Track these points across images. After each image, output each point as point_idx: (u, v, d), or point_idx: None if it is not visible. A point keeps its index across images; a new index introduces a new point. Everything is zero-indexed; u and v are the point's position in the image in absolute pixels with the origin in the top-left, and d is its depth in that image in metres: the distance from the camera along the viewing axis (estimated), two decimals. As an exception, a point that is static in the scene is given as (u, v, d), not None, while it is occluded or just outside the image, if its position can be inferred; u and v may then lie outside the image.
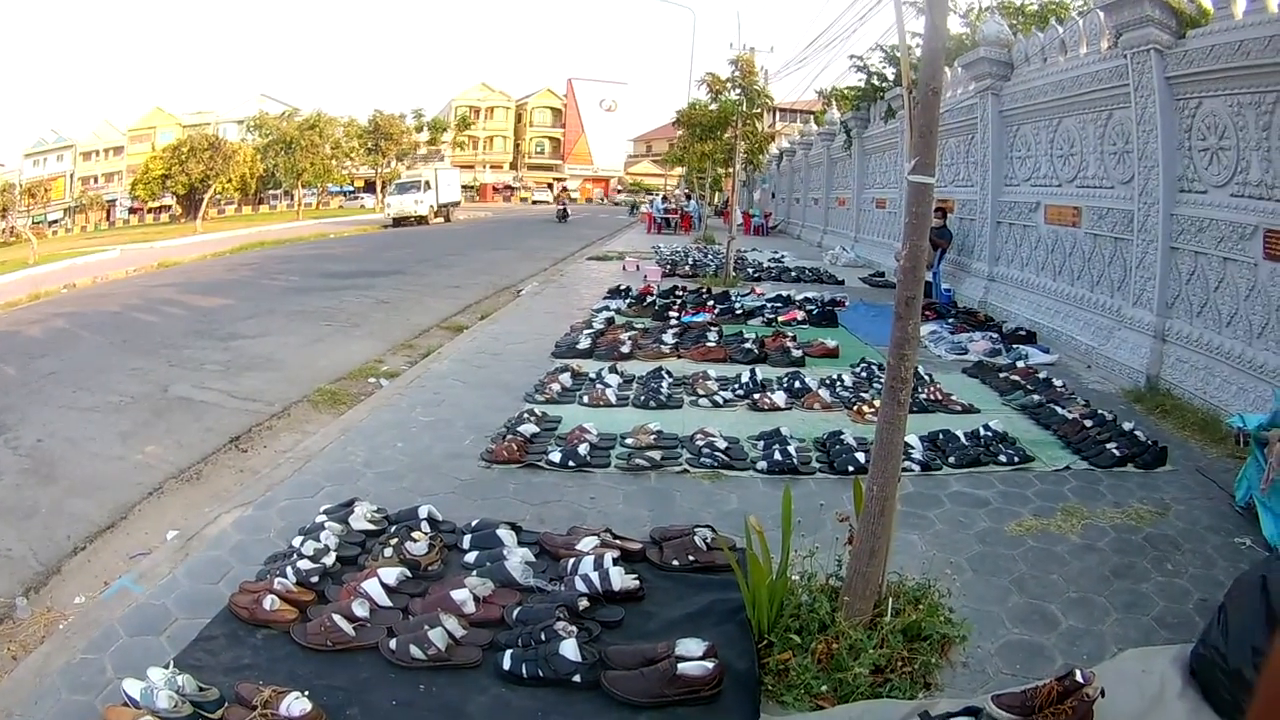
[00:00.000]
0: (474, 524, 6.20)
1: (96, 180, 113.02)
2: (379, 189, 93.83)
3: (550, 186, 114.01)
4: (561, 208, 63.49)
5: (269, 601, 5.10)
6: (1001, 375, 10.93)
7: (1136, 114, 11.48)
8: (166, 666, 4.37)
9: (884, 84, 27.38)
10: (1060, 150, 14.31)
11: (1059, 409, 9.12)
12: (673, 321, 14.80)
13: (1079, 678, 3.76)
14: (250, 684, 4.28)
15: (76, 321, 20.10)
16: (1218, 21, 10.04)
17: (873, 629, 4.41)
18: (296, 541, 5.98)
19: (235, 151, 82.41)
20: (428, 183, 61.67)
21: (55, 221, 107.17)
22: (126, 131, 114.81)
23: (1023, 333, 13.62)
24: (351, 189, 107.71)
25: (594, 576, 5.23)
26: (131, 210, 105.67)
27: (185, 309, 20.93)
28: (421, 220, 58.12)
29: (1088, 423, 8.55)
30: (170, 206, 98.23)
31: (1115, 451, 7.74)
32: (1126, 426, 8.32)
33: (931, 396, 9.76)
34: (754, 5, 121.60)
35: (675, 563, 5.59)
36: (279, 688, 4.18)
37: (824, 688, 4.14)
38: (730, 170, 30.85)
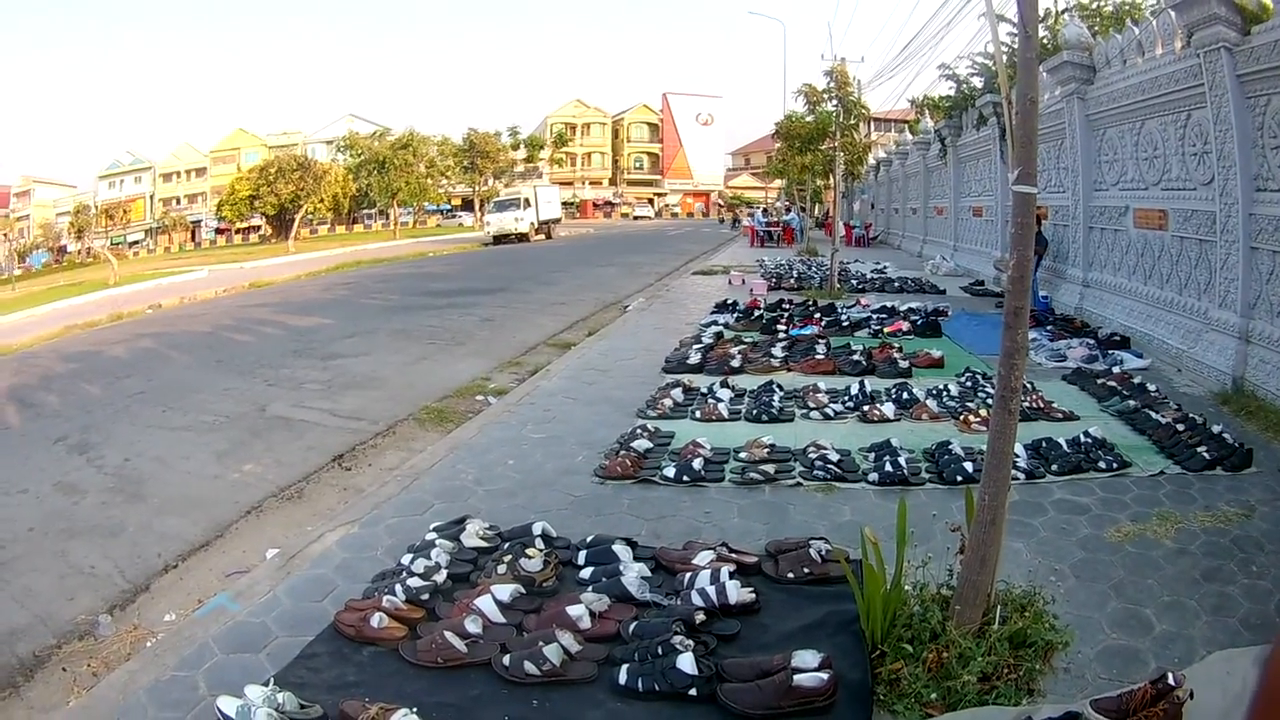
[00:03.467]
0: (589, 540, 6.27)
1: (179, 202, 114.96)
2: (477, 207, 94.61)
3: (651, 202, 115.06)
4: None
5: (377, 619, 5.19)
6: (1099, 381, 10.91)
7: (1213, 114, 11.44)
8: (266, 684, 4.46)
9: (974, 92, 27.26)
10: (1145, 153, 14.23)
11: (1153, 414, 9.13)
12: (781, 335, 14.86)
13: (1170, 680, 3.81)
14: (356, 701, 4.35)
15: (164, 341, 20.49)
16: (1278, 17, 10.03)
17: (981, 637, 4.46)
18: (406, 559, 6.07)
19: (326, 171, 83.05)
20: (527, 200, 61.89)
21: (136, 242, 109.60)
22: (209, 153, 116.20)
23: (1117, 338, 13.55)
24: (449, 208, 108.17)
25: (710, 590, 5.30)
26: (218, 231, 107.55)
27: (281, 329, 21.21)
28: (522, 238, 58.29)
29: (1180, 427, 8.56)
30: (259, 227, 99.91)
31: (1205, 455, 7.76)
32: (1215, 429, 8.32)
33: (1034, 405, 9.75)
34: (842, 15, 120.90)
35: (790, 575, 5.66)
36: (386, 705, 4.25)
37: (933, 695, 4.21)
38: (830, 182, 30.87)
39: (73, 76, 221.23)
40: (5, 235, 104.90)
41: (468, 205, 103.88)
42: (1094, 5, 26.81)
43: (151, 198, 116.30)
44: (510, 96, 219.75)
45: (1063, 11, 25.88)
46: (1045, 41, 22.70)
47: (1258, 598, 5.35)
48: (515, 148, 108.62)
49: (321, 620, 5.45)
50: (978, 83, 27.21)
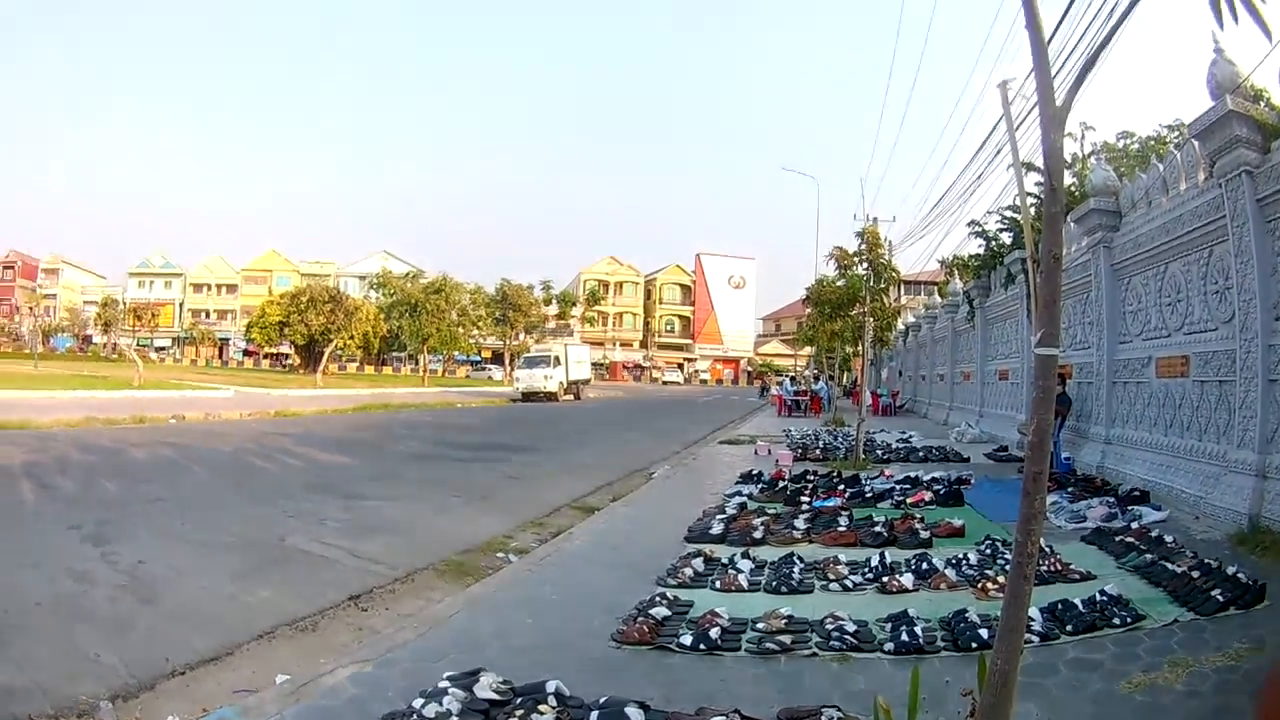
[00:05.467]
0: (601, 700, 6.21)
1: (208, 315, 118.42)
2: (507, 361, 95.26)
3: (681, 367, 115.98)
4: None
5: None
6: (1117, 539, 10.93)
7: (1234, 245, 11.69)
8: None
9: (1002, 249, 27.58)
10: (1168, 298, 14.45)
11: (1169, 565, 9.17)
12: (804, 507, 14.75)
13: None
14: None
15: (186, 454, 20.62)
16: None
17: None
18: (417, 703, 6.04)
19: (358, 308, 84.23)
20: (557, 358, 62.39)
21: (163, 348, 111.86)
22: (241, 271, 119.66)
23: (1137, 494, 13.60)
24: (478, 359, 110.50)
25: None
26: (246, 353, 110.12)
27: (305, 461, 21.27)
28: (551, 397, 58.63)
29: (1195, 574, 8.63)
30: (287, 355, 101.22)
31: (1219, 598, 7.83)
32: (1230, 571, 8.40)
33: (1051, 568, 9.75)
34: (874, 171, 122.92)
35: None
36: None
37: None
38: (859, 349, 31.08)
39: (112, 165, 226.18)
40: (31, 309, 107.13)
41: (498, 358, 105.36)
42: (1121, 145, 27.26)
43: (181, 305, 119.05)
44: (544, 247, 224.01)
45: (1090, 155, 26.29)
46: (1073, 189, 23.06)
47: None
48: (548, 302, 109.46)
49: None
50: (1007, 238, 27.56)
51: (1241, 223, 11.51)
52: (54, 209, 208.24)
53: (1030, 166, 20.06)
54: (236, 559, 11.39)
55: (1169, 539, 10.48)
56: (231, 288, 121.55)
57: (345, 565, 11.44)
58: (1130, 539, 10.78)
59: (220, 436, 26.14)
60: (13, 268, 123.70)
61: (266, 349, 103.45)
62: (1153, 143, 26.91)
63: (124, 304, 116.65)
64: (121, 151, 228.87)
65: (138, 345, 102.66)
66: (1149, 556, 9.80)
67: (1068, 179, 25.75)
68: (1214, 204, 12.42)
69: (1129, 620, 7.77)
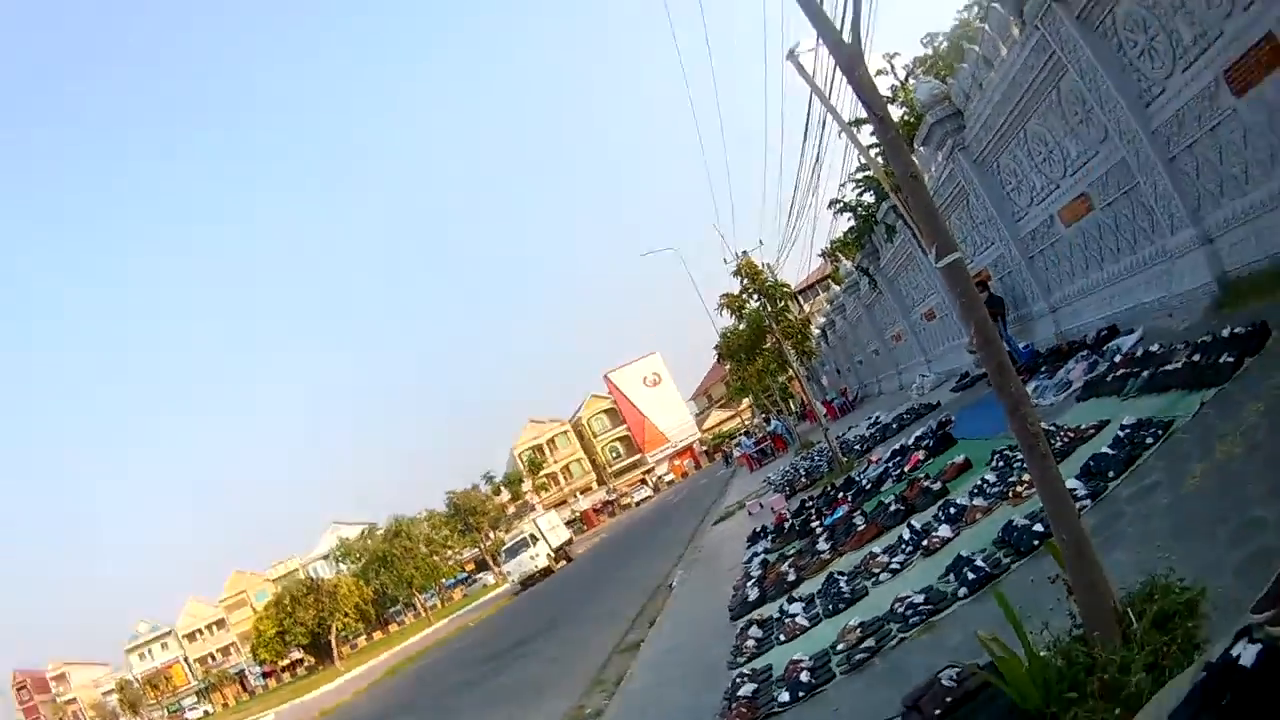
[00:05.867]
0: None
1: (214, 658, 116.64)
2: (491, 563, 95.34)
3: (644, 481, 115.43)
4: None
5: None
6: (1109, 380, 10.92)
7: (1077, 70, 11.77)
8: None
9: (871, 211, 27.81)
10: (1040, 155, 14.56)
11: (1169, 367, 9.14)
12: (818, 530, 14.77)
13: None
14: None
15: None
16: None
17: (1127, 642, 4.40)
18: None
19: (336, 585, 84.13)
20: (533, 535, 62.30)
21: (193, 707, 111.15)
22: (219, 603, 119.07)
23: (1105, 333, 13.59)
24: (466, 575, 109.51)
25: None
26: (265, 674, 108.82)
27: None
28: (546, 572, 58.28)
29: (1196, 358, 8.58)
30: (301, 660, 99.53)
31: (1230, 359, 7.84)
32: (1225, 334, 8.36)
33: (1065, 439, 9.67)
34: (724, 209, 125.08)
35: (938, 712, 5.48)
36: None
37: (1118, 711, 4.09)
38: (791, 373, 31.10)
39: (67, 553, 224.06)
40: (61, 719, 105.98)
41: (482, 565, 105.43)
42: (930, 49, 27.66)
43: (186, 659, 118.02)
44: (470, 444, 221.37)
45: (906, 79, 26.69)
46: (908, 118, 23.33)
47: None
48: (497, 492, 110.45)
49: None
50: (869, 199, 27.81)
51: (1073, 46, 11.63)
52: (37, 617, 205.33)
53: (859, 121, 20.30)
54: None
55: (1155, 348, 10.41)
56: (220, 623, 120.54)
57: None
58: (1121, 371, 10.74)
59: None
60: (25, 687, 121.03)
61: (280, 662, 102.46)
62: (960, 30, 27.42)
63: (138, 681, 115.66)
64: (65, 531, 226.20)
65: (170, 713, 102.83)
66: (1146, 374, 9.77)
67: (898, 111, 26.15)
68: (1040, 47, 12.55)
69: (1160, 433, 7.73)
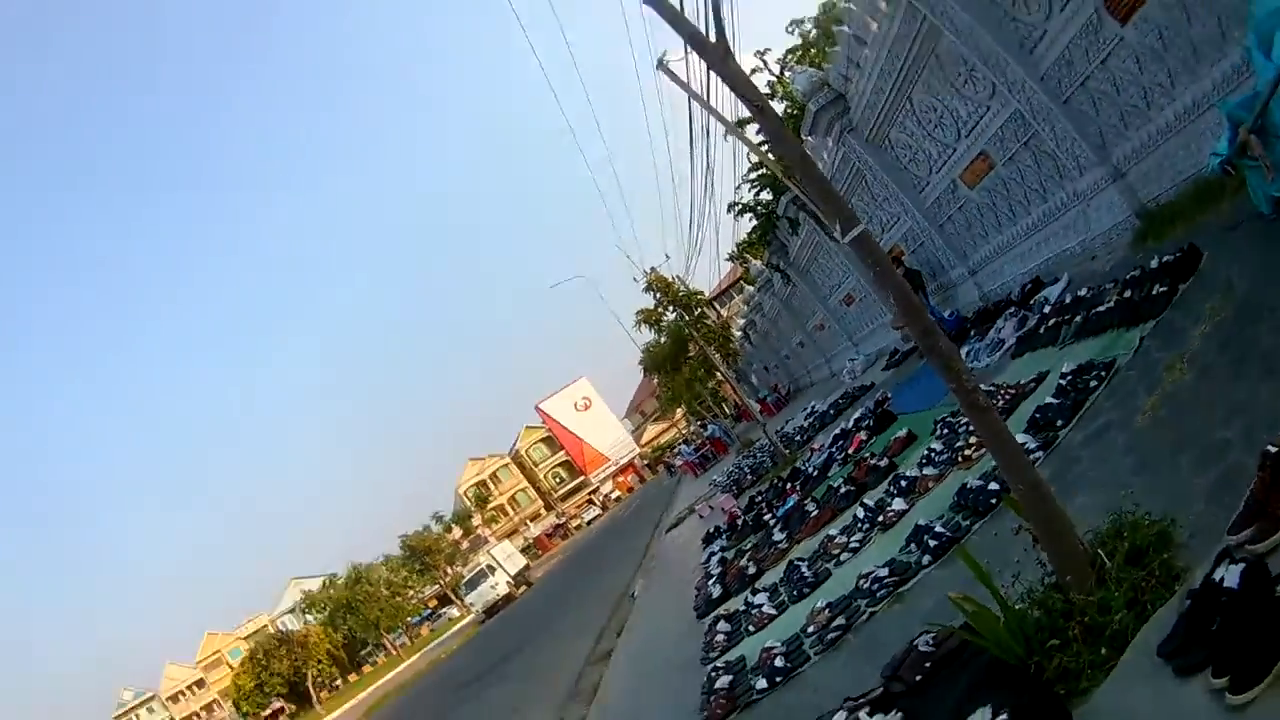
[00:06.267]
0: None
1: (199, 717, 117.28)
2: (453, 597, 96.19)
3: (591, 502, 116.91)
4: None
5: None
6: (1042, 331, 10.98)
7: (951, 29, 11.74)
8: None
9: (770, 207, 27.91)
10: (930, 121, 14.55)
11: (1101, 307, 9.22)
12: (771, 522, 14.83)
13: (1271, 450, 3.86)
14: None
15: None
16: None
17: (1103, 582, 4.43)
18: None
19: (307, 635, 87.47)
20: (490, 566, 63.39)
21: None
22: (196, 664, 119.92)
23: (1029, 286, 13.61)
24: (429, 612, 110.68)
25: None
26: None
27: None
28: (508, 599, 59.12)
29: (1128, 293, 8.65)
30: (282, 708, 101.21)
31: (1163, 289, 7.91)
32: (1154, 265, 8.42)
33: (1005, 396, 9.73)
34: (625, 229, 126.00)
35: (919, 677, 5.47)
36: None
37: (1103, 651, 4.13)
38: (718, 377, 31.21)
39: (37, 629, 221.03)
40: None
41: (444, 600, 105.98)
42: (798, 37, 27.79)
43: None
44: (414, 487, 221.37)
45: (782, 72, 26.84)
46: (792, 111, 23.39)
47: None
48: (449, 530, 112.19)
49: None
50: (766, 195, 27.92)
51: (943, 7, 11.60)
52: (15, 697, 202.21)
53: (743, 121, 20.31)
54: None
55: (1083, 292, 10.48)
56: (200, 683, 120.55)
57: None
58: (1052, 321, 10.80)
59: None
60: None
61: (264, 714, 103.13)
62: (827, 14, 27.55)
63: None
64: (34, 608, 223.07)
65: None
66: (1079, 319, 9.80)
67: (780, 105, 26.23)
68: (910, 15, 12.56)
69: (1104, 374, 7.80)
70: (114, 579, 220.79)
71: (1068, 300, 10.85)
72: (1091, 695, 4.06)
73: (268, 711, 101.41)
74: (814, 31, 28.50)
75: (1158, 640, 3.80)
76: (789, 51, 29.28)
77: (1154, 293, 7.97)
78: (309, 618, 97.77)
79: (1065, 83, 10.81)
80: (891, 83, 14.43)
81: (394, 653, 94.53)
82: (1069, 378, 8.24)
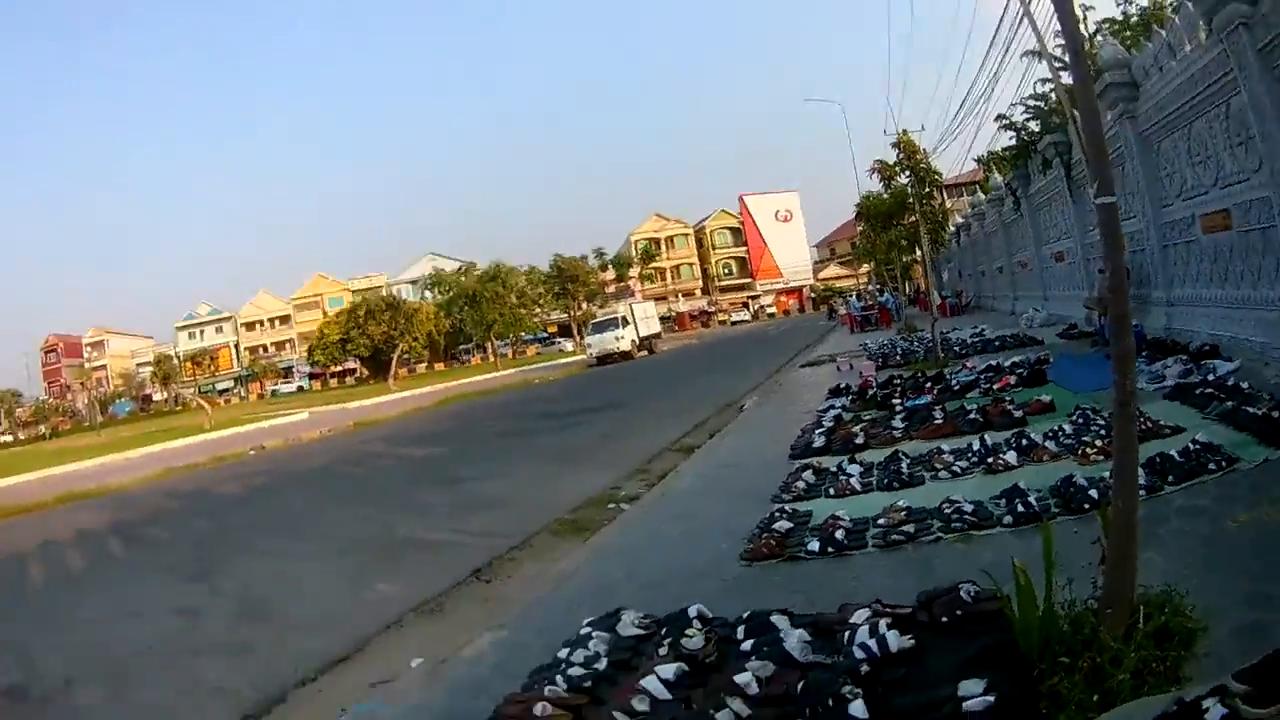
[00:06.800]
0: (745, 615, 6.37)
1: (265, 349, 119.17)
2: (574, 331, 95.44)
3: (746, 305, 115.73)
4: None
5: (540, 708, 5.25)
6: (1197, 392, 11.05)
7: (1247, 95, 11.65)
8: None
9: (1033, 137, 27.39)
10: (1198, 156, 14.42)
11: (1250, 409, 9.31)
12: (897, 408, 15.11)
13: None
14: None
15: (275, 478, 21.11)
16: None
17: (1128, 639, 4.64)
18: (563, 653, 6.19)
19: (416, 310, 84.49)
20: (625, 318, 62.52)
21: (225, 390, 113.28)
22: (290, 300, 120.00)
23: (1207, 349, 13.72)
24: (546, 335, 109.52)
25: (871, 643, 5.40)
26: (312, 376, 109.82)
27: (397, 459, 21.66)
28: (625, 356, 58.72)
29: (1275, 414, 8.78)
30: (354, 370, 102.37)
31: None
32: None
33: (1143, 426, 9.77)
34: (894, 88, 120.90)
35: (945, 619, 5.76)
36: None
37: (1094, 699, 4.36)
38: (917, 255, 30.89)
39: (144, 226, 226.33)
40: (83, 384, 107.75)
41: (565, 331, 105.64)
42: (1121, 14, 26.92)
43: (237, 346, 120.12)
44: (590, 219, 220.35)
45: (1094, 34, 26.07)
46: (1089, 69, 22.82)
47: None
48: (603, 269, 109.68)
49: (479, 717, 5.56)
50: (1035, 126, 27.36)
51: (1249, 74, 11.50)
52: (91, 284, 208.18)
53: (1040, 54, 19.82)
54: (348, 561, 11.65)
55: (1245, 385, 10.61)
56: (284, 319, 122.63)
57: (461, 545, 11.58)
58: (1209, 390, 10.92)
59: (305, 456, 26.62)
60: (55, 350, 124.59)
61: (332, 369, 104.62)
62: (1154, 9, 26.50)
63: (178, 357, 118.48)
64: (150, 206, 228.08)
65: (201, 393, 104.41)
66: (1230, 404, 9.93)
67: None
68: (1219, 60, 12.39)
69: (1224, 465, 7.94)
70: (252, 192, 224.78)
71: (1230, 382, 11.01)
72: None
73: (337, 368, 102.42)
74: (1136, 17, 27.46)
75: None
76: (1106, 20, 28.25)
77: None
78: (428, 294, 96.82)
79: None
80: (1182, 101, 14.29)
81: (492, 359, 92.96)
82: (1198, 447, 8.36)
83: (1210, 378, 11.95)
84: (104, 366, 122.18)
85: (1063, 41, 5.21)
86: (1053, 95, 24.29)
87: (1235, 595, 5.38)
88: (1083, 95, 4.99)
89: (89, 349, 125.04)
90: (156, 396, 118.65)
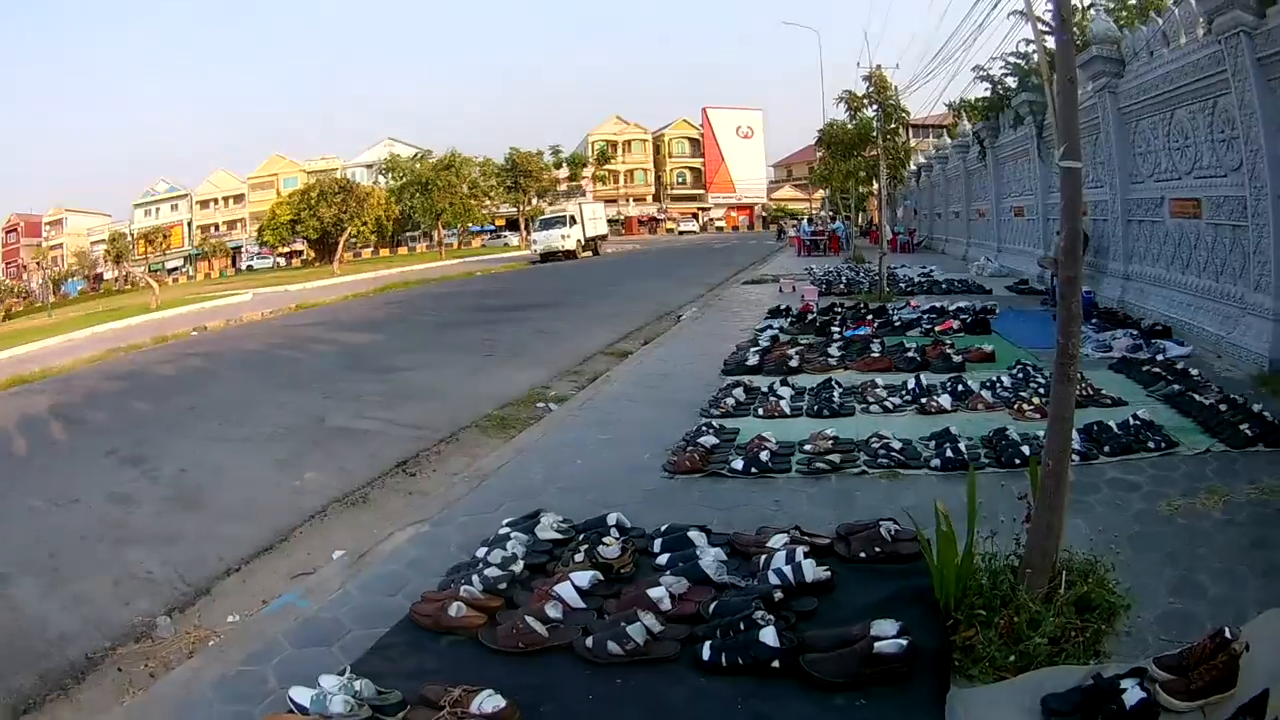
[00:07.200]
0: (663, 528, 6.43)
1: (217, 228, 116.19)
2: (522, 227, 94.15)
3: (695, 216, 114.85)
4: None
5: (455, 608, 5.29)
6: (1144, 369, 11.05)
7: (1237, 99, 11.57)
8: (341, 673, 4.54)
9: (1009, 92, 27.33)
10: (1176, 143, 14.38)
11: (1197, 396, 9.27)
12: (836, 336, 15.09)
13: (1227, 634, 3.97)
14: (437, 685, 4.43)
15: (214, 360, 20.90)
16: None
17: (1049, 602, 4.67)
18: (480, 552, 6.20)
19: (369, 194, 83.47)
20: (573, 217, 62.14)
21: (175, 269, 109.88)
22: (247, 179, 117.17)
23: (1159, 328, 13.70)
24: (493, 228, 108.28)
25: (786, 570, 5.43)
26: (259, 257, 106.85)
27: (334, 345, 21.51)
28: (570, 255, 58.44)
29: (1222, 407, 8.72)
30: (301, 252, 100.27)
31: (1247, 432, 7.90)
32: (1256, 409, 8.47)
33: (1084, 391, 9.85)
34: (874, 23, 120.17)
35: (862, 554, 5.82)
36: (470, 687, 4.33)
37: (1010, 659, 4.40)
38: (873, 188, 30.83)
39: (106, 105, 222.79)
40: (39, 264, 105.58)
41: (512, 225, 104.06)
42: None
43: (190, 224, 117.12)
44: (550, 116, 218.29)
45: (1089, 6, 25.98)
46: (1075, 40, 22.69)
47: (1307, 563, 5.51)
48: (558, 166, 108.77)
49: (395, 614, 5.59)
50: (1012, 83, 27.26)
51: (1243, 79, 11.43)
52: (54, 162, 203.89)
53: (1026, 15, 19.68)
54: (278, 448, 11.60)
55: (1194, 373, 10.57)
56: (239, 198, 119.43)
57: (388, 436, 11.65)
58: (1156, 370, 10.92)
59: (245, 338, 26.40)
60: (15, 230, 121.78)
61: (280, 249, 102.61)
62: None
63: (132, 235, 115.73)
64: (109, 85, 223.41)
65: (150, 271, 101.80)
66: (1176, 387, 9.93)
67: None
68: (1214, 59, 12.31)
69: (1163, 445, 7.95)
70: (216, 71, 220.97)
71: (1179, 366, 10.99)
72: (974, 687, 4.36)
73: (284, 250, 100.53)
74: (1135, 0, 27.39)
75: (1050, 690, 4.08)
76: (1103, -8, 28.25)
77: (1240, 427, 8.05)
78: (381, 180, 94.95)
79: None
80: (1168, 88, 14.22)
81: (438, 248, 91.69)
82: (1138, 423, 8.40)
83: (1160, 357, 11.97)
84: (60, 245, 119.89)
85: (1051, 7, 5.02)
86: (1034, 57, 24.11)
87: (1163, 579, 5.38)
88: (1063, 62, 4.99)
89: (48, 228, 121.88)
90: (108, 275, 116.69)
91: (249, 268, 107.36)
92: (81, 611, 6.99)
